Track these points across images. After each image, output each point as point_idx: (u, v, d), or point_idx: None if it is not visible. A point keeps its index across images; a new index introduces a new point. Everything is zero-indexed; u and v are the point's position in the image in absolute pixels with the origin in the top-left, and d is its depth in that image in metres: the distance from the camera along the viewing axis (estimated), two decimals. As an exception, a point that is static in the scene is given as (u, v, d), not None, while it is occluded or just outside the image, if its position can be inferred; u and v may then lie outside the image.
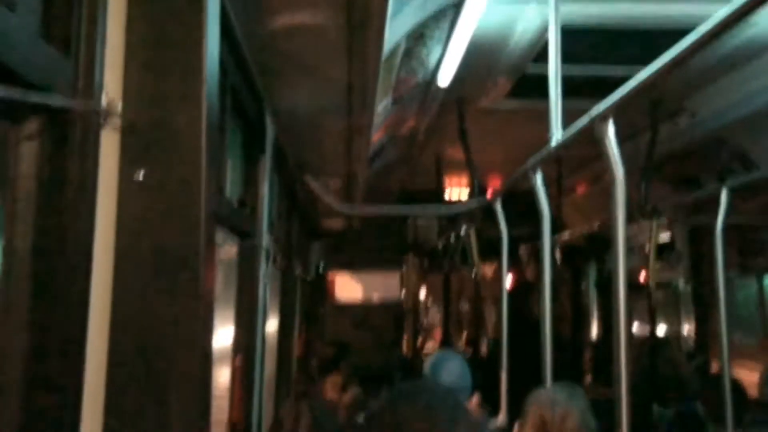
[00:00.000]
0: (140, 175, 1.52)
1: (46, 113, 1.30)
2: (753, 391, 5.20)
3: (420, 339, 11.87)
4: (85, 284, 1.38)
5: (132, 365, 1.49)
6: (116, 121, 1.48)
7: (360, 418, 4.53)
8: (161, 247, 1.53)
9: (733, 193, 4.34)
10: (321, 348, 7.73)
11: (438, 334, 12.10)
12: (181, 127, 1.55)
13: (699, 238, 6.69)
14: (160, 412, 1.48)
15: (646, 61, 2.31)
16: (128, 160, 1.52)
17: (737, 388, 4.30)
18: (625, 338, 2.39)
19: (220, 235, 3.12)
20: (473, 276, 7.73)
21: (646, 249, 6.14)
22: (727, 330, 4.15)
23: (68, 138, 1.34)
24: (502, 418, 4.29)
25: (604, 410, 2.84)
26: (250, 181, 3.75)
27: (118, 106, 1.48)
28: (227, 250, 3.51)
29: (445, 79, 4.56)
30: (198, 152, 1.55)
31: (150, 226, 1.52)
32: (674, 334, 8.17)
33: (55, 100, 1.26)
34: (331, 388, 4.86)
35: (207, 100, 1.58)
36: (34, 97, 1.19)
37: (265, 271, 3.74)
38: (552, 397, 2.92)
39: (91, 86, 1.38)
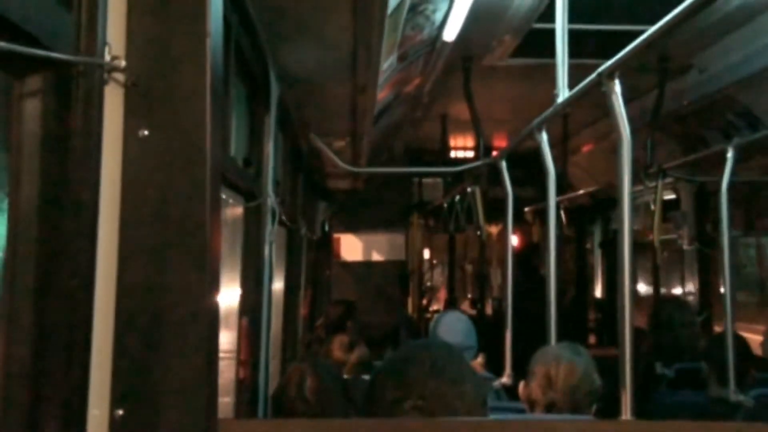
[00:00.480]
0: (145, 132, 1.51)
1: (49, 68, 1.29)
2: (757, 350, 5.22)
3: (425, 299, 11.93)
4: (91, 241, 1.38)
5: (138, 322, 1.50)
6: (120, 77, 1.47)
7: (366, 378, 4.56)
8: (167, 205, 1.53)
9: (739, 152, 4.32)
10: (328, 308, 7.76)
11: (443, 294, 12.16)
12: (186, 84, 1.54)
13: (704, 198, 6.66)
14: (166, 374, 1.48)
15: (653, 18, 2.29)
16: (132, 117, 1.51)
17: (741, 346, 4.31)
18: (629, 297, 2.40)
19: (225, 195, 3.12)
20: (478, 236, 7.72)
21: (652, 208, 6.13)
22: (731, 289, 4.15)
23: (71, 93, 1.33)
24: (506, 377, 4.32)
25: (607, 368, 2.86)
26: (254, 141, 3.74)
27: (122, 61, 1.47)
28: (232, 209, 3.51)
29: (450, 35, 4.52)
30: (203, 110, 1.54)
31: (155, 183, 1.52)
32: (679, 293, 8.18)
33: (58, 55, 1.25)
34: (338, 347, 4.88)
35: (211, 57, 1.56)
36: (37, 52, 1.18)
37: (270, 231, 3.75)
38: (557, 355, 2.94)
39: (94, 41, 1.37)
